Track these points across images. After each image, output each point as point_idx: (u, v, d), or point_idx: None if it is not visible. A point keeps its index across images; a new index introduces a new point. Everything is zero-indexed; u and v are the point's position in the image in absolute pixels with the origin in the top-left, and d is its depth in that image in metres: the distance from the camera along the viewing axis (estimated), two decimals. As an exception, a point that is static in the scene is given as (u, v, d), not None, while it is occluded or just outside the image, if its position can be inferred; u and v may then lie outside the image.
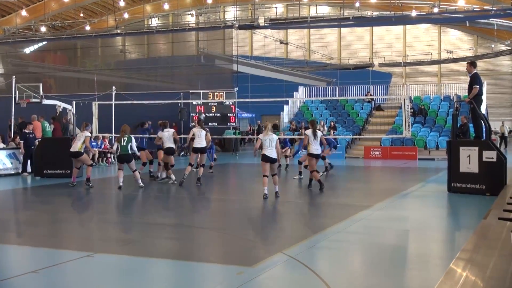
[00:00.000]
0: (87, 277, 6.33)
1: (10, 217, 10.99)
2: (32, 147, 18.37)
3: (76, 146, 14.61)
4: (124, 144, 14.11)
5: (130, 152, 14.23)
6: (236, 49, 36.23)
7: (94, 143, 23.87)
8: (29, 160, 18.50)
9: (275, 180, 12.52)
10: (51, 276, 6.27)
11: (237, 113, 33.55)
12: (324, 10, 49.15)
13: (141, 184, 14.30)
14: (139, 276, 6.23)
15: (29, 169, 18.49)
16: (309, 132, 13.87)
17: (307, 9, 49.81)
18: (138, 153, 15.41)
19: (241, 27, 35.49)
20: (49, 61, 47.47)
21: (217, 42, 43.39)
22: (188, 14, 45.63)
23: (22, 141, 18.37)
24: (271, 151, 12.30)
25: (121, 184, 14.12)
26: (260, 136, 12.61)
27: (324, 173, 16.90)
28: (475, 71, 13.44)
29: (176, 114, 29.40)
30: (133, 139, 14.52)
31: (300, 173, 16.38)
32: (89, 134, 15.13)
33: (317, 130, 14.04)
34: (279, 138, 13.33)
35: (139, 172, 14.87)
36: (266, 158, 12.33)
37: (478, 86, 13.19)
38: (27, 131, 18.53)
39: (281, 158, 20.91)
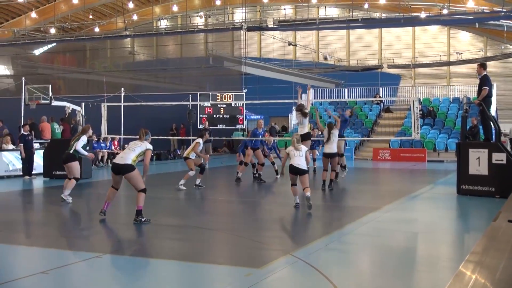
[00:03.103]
0: (96, 278, 6.35)
1: (20, 218, 11.05)
2: (31, 149, 17.95)
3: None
4: (72, 143, 12.34)
5: (74, 153, 12.19)
6: (244, 50, 36.26)
7: (103, 144, 24.02)
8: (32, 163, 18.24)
9: (306, 190, 10.79)
10: (60, 277, 6.30)
11: (245, 115, 33.58)
12: (332, 12, 49.02)
13: (65, 198, 11.88)
14: (147, 277, 6.24)
15: (37, 170, 18.42)
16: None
17: (316, 10, 49.72)
18: (84, 154, 12.71)
19: (249, 29, 35.48)
20: (59, 63, 47.76)
21: (225, 44, 43.45)
22: (197, 16, 45.62)
23: (21, 144, 17.71)
24: (299, 159, 10.80)
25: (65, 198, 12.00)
26: (288, 149, 11.17)
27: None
28: (485, 72, 13.39)
29: (185, 116, 29.49)
30: (82, 139, 12.34)
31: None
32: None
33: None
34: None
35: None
36: (293, 169, 10.79)
37: (487, 88, 13.14)
38: (25, 133, 17.99)
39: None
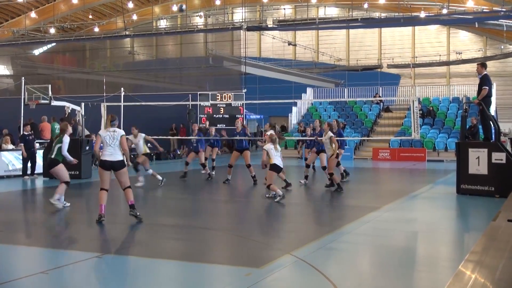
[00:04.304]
0: (96, 278, 6.35)
1: (19, 218, 11.04)
2: (32, 149, 17.99)
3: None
4: (53, 145, 11.46)
5: (56, 157, 11.23)
6: (244, 50, 36.25)
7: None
8: (31, 163, 18.13)
9: (281, 176, 13.27)
10: (60, 277, 6.30)
11: (245, 115, 33.54)
12: (332, 12, 49.06)
13: (54, 203, 11.05)
14: (148, 277, 6.24)
15: (37, 170, 18.37)
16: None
17: (315, 10, 49.77)
18: (69, 159, 11.50)
19: (249, 29, 35.49)
20: (58, 63, 47.73)
21: (225, 44, 43.44)
22: (197, 16, 45.68)
23: (22, 144, 17.75)
24: (279, 159, 12.36)
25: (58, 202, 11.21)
26: (268, 147, 12.23)
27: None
28: (485, 72, 13.38)
29: (185, 116, 29.49)
30: (65, 141, 11.32)
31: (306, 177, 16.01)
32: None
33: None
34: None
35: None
36: (276, 168, 12.28)
37: (487, 88, 13.14)
38: (26, 133, 18.06)
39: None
